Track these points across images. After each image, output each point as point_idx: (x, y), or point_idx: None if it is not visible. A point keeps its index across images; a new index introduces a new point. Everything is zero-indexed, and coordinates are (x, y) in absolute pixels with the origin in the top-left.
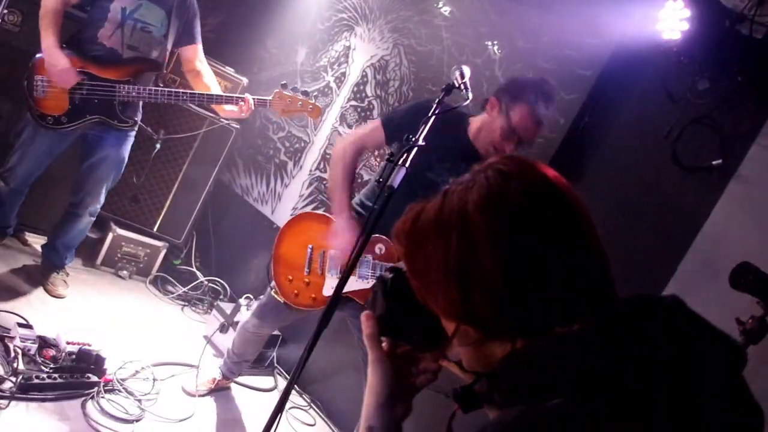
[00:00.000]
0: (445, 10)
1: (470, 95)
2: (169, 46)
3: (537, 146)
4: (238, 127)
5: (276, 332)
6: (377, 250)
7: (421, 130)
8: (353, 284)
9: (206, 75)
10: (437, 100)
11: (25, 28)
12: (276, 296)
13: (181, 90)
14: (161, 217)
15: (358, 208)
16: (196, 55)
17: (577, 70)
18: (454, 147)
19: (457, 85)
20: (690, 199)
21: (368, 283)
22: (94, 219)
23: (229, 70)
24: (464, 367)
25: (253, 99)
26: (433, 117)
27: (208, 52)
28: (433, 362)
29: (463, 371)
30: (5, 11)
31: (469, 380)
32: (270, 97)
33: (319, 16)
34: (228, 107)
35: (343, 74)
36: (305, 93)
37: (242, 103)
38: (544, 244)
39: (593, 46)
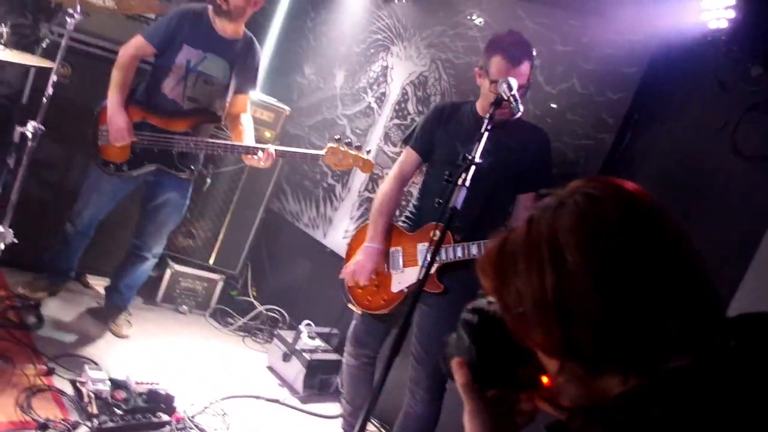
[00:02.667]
0: (479, 21)
1: (521, 107)
2: (229, 97)
3: (587, 148)
4: None
5: (339, 358)
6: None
7: (475, 147)
8: (413, 276)
9: (244, 124)
10: (488, 115)
11: (74, 79)
12: (354, 308)
13: (237, 143)
14: (216, 249)
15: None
16: (244, 105)
17: (622, 69)
18: (472, 128)
19: (505, 98)
20: (756, 191)
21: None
22: (156, 260)
23: (271, 100)
24: (560, 406)
25: (283, 150)
26: (486, 134)
27: None
28: (528, 402)
29: (559, 410)
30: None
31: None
32: (323, 152)
33: (354, 39)
34: (251, 158)
35: (383, 94)
36: (358, 147)
37: (262, 154)
38: (645, 268)
39: (635, 43)
